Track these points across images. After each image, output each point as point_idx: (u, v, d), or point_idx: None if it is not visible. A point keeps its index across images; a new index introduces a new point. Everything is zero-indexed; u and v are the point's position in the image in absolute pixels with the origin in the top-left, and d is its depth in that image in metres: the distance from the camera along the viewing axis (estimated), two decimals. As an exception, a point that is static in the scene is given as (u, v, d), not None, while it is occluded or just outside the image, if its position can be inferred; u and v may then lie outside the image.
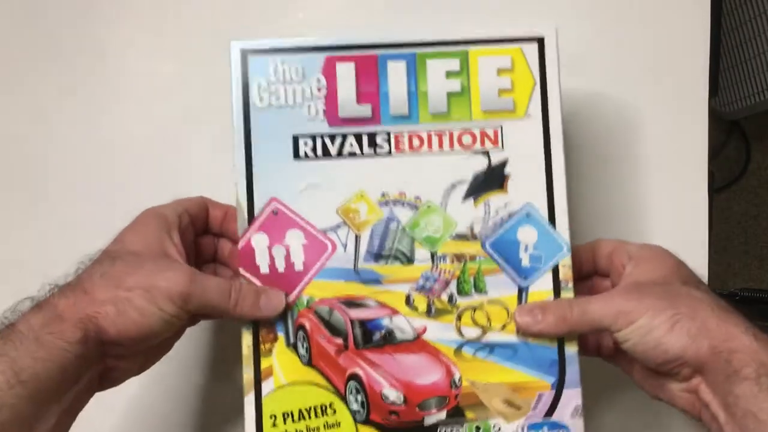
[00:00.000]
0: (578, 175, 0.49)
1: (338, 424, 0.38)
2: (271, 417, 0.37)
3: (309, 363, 0.38)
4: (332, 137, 0.39)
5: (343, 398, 0.38)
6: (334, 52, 0.39)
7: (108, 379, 0.35)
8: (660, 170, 0.50)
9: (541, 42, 0.39)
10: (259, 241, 0.38)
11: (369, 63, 0.39)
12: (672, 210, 0.49)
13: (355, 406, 0.38)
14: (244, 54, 0.39)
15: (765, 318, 0.45)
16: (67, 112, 0.51)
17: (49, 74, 0.52)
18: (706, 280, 0.47)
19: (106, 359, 0.34)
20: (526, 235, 0.39)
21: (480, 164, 0.39)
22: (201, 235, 0.41)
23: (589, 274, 0.41)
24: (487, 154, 0.39)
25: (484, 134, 0.39)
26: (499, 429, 0.38)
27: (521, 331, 0.38)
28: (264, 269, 0.38)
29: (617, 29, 0.52)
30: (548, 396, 0.38)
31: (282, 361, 0.38)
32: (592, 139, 0.50)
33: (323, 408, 0.38)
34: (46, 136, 0.51)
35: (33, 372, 0.30)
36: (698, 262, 0.48)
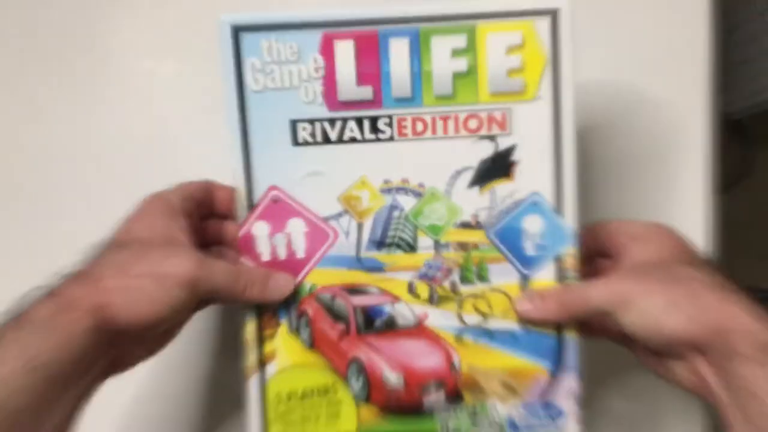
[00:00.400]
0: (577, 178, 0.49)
1: (339, 404, 0.39)
2: (276, 396, 0.38)
3: (311, 347, 0.39)
4: (332, 122, 0.37)
5: (345, 380, 0.39)
6: (332, 28, 0.36)
7: (119, 366, 0.36)
8: (660, 170, 0.49)
9: (554, 15, 0.36)
10: (259, 229, 0.38)
11: (369, 40, 0.36)
12: (672, 210, 0.49)
13: (356, 389, 0.39)
14: (236, 31, 0.36)
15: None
16: (66, 111, 0.50)
17: (49, 73, 0.51)
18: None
19: (118, 346, 0.34)
20: (532, 225, 0.38)
21: (486, 150, 0.37)
22: (206, 218, 0.41)
23: (590, 255, 0.40)
24: (494, 139, 0.37)
25: (491, 118, 0.37)
26: (496, 411, 0.39)
27: (522, 319, 0.38)
28: (265, 257, 0.38)
29: (617, 29, 0.51)
30: (546, 381, 0.39)
31: (285, 345, 0.38)
32: (591, 139, 0.49)
33: (325, 389, 0.39)
34: (45, 136, 0.50)
35: (45, 359, 0.30)
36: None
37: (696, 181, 0.49)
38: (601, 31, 0.50)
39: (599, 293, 0.35)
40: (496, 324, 0.38)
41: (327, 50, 0.36)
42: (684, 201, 0.49)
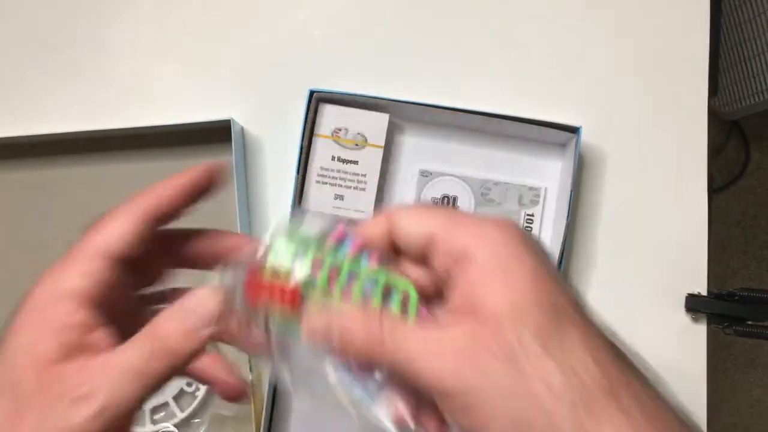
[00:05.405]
0: (578, 174, 0.49)
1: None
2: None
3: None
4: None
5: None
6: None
7: None
8: (660, 170, 0.50)
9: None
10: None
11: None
12: (672, 210, 0.49)
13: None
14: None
15: (765, 318, 0.45)
16: (65, 111, 0.51)
17: (49, 72, 0.51)
18: (705, 280, 0.47)
19: None
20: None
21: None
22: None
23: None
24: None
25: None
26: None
27: None
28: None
29: (616, 29, 0.51)
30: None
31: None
32: (591, 139, 0.49)
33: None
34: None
35: None
36: (698, 262, 0.48)
37: (694, 181, 0.49)
38: (601, 30, 0.51)
39: (424, 364, 0.22)
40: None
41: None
42: (682, 200, 0.49)
